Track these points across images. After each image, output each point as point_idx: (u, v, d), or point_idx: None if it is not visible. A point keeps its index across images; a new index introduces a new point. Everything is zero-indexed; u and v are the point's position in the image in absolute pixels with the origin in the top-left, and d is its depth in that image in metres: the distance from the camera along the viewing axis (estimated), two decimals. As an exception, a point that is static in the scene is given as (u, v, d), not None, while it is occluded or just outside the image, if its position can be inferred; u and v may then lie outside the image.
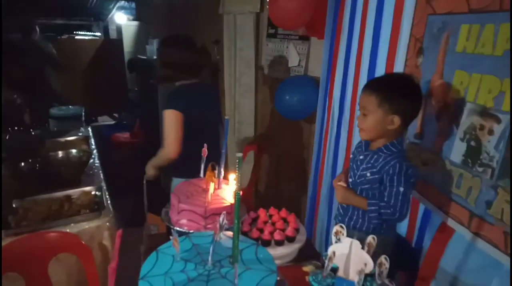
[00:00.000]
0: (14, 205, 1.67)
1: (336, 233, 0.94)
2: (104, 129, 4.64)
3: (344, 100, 1.74)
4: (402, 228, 1.41)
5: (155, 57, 3.31)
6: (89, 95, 6.15)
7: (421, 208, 1.33)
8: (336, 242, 0.92)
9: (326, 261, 0.88)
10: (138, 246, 1.40)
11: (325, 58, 1.88)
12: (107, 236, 1.64)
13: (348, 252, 0.90)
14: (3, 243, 1.46)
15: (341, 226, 0.93)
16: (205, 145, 1.42)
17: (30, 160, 1.94)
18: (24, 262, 1.46)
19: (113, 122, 5.90)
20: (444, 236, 1.21)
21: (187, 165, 1.56)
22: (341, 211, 1.32)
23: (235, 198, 0.82)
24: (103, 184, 1.98)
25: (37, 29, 3.82)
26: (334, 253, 0.88)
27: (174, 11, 4.21)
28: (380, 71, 1.48)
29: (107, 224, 1.65)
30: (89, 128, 2.93)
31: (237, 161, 0.84)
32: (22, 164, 1.86)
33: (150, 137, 3.72)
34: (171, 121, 1.66)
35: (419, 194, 1.32)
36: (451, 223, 1.17)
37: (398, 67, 1.38)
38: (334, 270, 0.91)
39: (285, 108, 2.20)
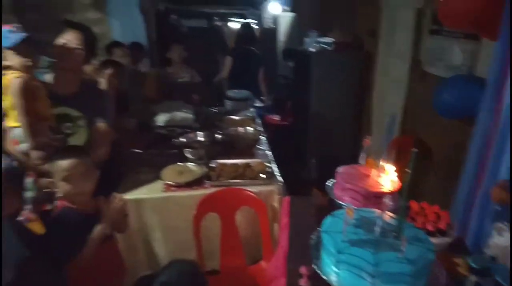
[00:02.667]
0: (212, 165, 2.25)
1: (498, 230, 1.08)
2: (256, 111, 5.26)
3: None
4: None
5: (311, 49, 3.65)
6: (242, 78, 7.03)
7: None
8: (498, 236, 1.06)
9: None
10: (303, 210, 1.76)
11: (498, 60, 1.86)
12: (277, 200, 2.08)
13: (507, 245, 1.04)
14: (208, 191, 2.03)
15: (504, 224, 1.07)
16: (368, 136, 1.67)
17: (219, 131, 2.54)
18: (221, 206, 2.00)
19: (261, 105, 6.53)
20: None
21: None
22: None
23: (401, 180, 1.05)
24: (272, 158, 2.45)
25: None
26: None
27: (329, 2, 4.45)
28: None
29: (277, 189, 2.08)
30: (254, 110, 3.50)
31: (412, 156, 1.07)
32: (218, 135, 2.46)
33: (299, 121, 4.14)
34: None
35: None
36: None
37: None
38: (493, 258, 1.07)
39: (443, 106, 2.24)
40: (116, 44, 2.99)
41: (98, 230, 1.48)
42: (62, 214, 1.48)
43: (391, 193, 1.50)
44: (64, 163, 1.46)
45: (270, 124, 4.68)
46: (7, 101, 1.63)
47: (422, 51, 2.74)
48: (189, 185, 2.09)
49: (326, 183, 1.72)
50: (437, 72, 2.54)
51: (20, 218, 1.70)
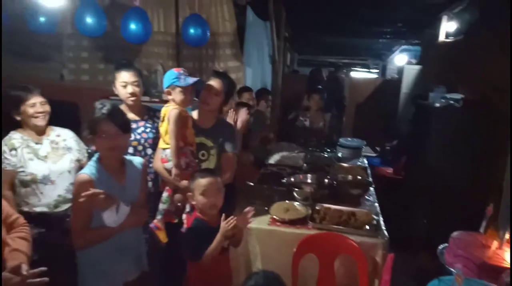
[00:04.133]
0: (317, 208, 2.33)
1: None
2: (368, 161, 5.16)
3: None
4: None
5: (436, 105, 3.50)
6: (356, 126, 7.01)
7: None
8: None
9: None
10: (406, 270, 1.69)
11: None
12: (380, 255, 2.02)
13: None
14: (310, 232, 2.10)
15: None
16: (491, 204, 1.54)
17: (328, 176, 2.62)
18: (321, 249, 2.05)
19: (374, 155, 6.33)
20: None
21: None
22: None
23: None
24: (379, 210, 2.40)
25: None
26: None
27: (461, 57, 4.21)
28: None
29: (381, 244, 2.03)
30: (365, 160, 3.48)
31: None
32: (326, 180, 2.55)
33: (413, 177, 3.91)
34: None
35: None
36: None
37: None
38: None
39: None
40: (246, 89, 3.42)
41: (217, 240, 1.71)
42: (195, 223, 1.77)
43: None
44: (203, 180, 1.77)
45: (381, 176, 4.52)
46: (162, 127, 2.07)
47: None
48: (293, 222, 2.20)
49: (438, 247, 1.64)
50: None
51: (150, 225, 2.06)
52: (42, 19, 2.77)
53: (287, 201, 2.40)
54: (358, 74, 10.70)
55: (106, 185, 1.65)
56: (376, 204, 2.54)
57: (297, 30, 6.49)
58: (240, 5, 3.97)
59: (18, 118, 2.07)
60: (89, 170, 1.66)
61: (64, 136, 2.22)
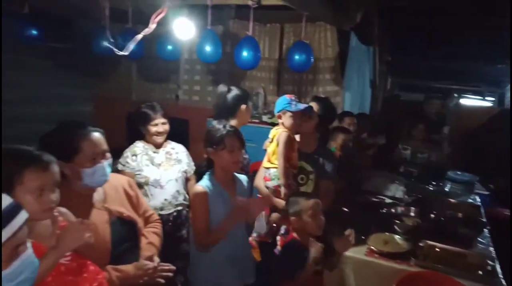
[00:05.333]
0: (420, 244, 2.18)
1: None
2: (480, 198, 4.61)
3: None
4: None
5: None
6: (467, 160, 6.30)
7: None
8: None
9: None
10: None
11: None
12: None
13: None
14: (411, 269, 1.97)
15: None
16: None
17: (434, 212, 2.43)
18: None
19: (487, 192, 5.64)
20: None
21: None
22: None
23: None
24: (495, 255, 2.13)
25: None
26: None
27: None
28: None
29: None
30: (478, 198, 3.12)
31: None
32: (432, 215, 2.37)
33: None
34: None
35: None
36: None
37: None
38: None
39: None
40: (347, 113, 3.40)
41: (311, 260, 1.73)
42: (290, 244, 1.83)
43: None
44: (310, 202, 1.83)
45: (497, 217, 3.97)
46: (270, 148, 2.20)
47: None
48: (392, 256, 2.09)
49: None
50: None
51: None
52: (169, 47, 3.21)
53: (386, 233, 2.29)
54: (470, 101, 9.69)
55: (220, 198, 1.80)
56: (491, 248, 2.27)
57: (402, 54, 6.24)
58: (343, 31, 4.01)
59: (144, 132, 2.40)
60: (205, 183, 1.83)
61: (177, 149, 2.50)
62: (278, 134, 2.14)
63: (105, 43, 2.80)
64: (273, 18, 4.18)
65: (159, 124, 2.36)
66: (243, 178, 2.01)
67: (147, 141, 2.42)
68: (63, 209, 1.29)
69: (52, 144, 1.36)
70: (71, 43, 4.48)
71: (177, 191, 2.41)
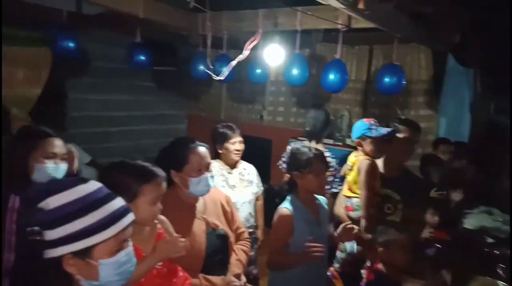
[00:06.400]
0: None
1: None
2: None
3: None
4: None
5: None
6: None
7: None
8: None
9: None
10: None
11: None
12: None
13: None
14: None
15: None
16: None
17: None
18: None
19: None
20: None
21: None
22: None
23: None
24: None
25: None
26: None
27: None
28: None
29: None
30: None
31: None
32: None
33: None
34: None
35: None
36: None
37: None
38: None
39: None
40: (442, 140, 3.15)
41: None
42: (377, 277, 1.74)
43: None
44: (400, 233, 1.78)
45: None
46: (350, 176, 2.13)
47: None
48: (495, 305, 1.85)
49: None
50: None
51: (327, 273, 2.10)
52: (258, 71, 3.36)
53: (488, 278, 2.03)
54: None
55: (304, 220, 1.80)
56: None
57: (506, 76, 5.58)
58: (439, 52, 3.76)
59: (220, 151, 2.46)
60: (289, 205, 1.83)
61: (248, 170, 2.55)
62: (358, 162, 2.06)
63: (204, 69, 3.06)
64: (362, 40, 4.11)
65: (237, 143, 2.42)
66: (323, 200, 1.99)
67: (223, 160, 2.47)
68: (163, 217, 1.43)
69: (167, 156, 1.60)
70: (173, 67, 5.03)
71: (250, 213, 2.45)
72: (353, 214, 2.10)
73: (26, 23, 3.36)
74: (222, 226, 1.69)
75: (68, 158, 1.66)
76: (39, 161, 1.56)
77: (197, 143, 1.65)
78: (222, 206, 1.75)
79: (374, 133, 2.06)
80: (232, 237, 1.74)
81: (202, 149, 1.63)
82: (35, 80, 3.52)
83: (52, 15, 3.14)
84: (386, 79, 3.03)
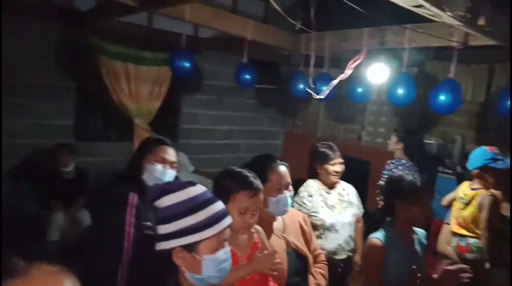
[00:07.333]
0: None
1: None
2: None
3: None
4: None
5: None
6: None
7: None
8: None
9: None
10: None
11: None
12: None
13: None
14: None
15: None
16: None
17: None
18: None
19: None
20: None
21: None
22: None
23: None
24: None
25: None
26: None
27: None
28: None
29: None
30: None
31: None
32: None
33: None
34: None
35: None
36: None
37: None
38: None
39: None
40: None
41: None
42: None
43: None
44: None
45: None
46: (467, 211, 1.88)
47: None
48: None
49: None
50: None
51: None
52: (360, 89, 3.27)
53: None
54: None
55: (398, 253, 1.64)
56: None
57: None
58: None
59: (319, 171, 2.37)
60: (382, 235, 1.68)
61: (348, 190, 2.43)
62: (480, 197, 1.80)
63: (304, 87, 3.11)
64: (480, 57, 3.70)
65: (337, 164, 2.32)
66: (421, 233, 1.78)
67: (321, 180, 2.39)
68: (259, 228, 1.49)
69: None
70: (275, 85, 5.26)
71: (350, 236, 2.35)
72: (469, 256, 1.83)
73: (153, 46, 3.92)
74: (301, 246, 1.65)
75: (177, 166, 1.84)
76: (151, 163, 1.75)
77: (278, 161, 1.64)
78: (301, 225, 1.72)
79: (501, 165, 1.78)
80: (311, 259, 1.69)
81: (283, 168, 1.62)
82: (156, 95, 4.06)
83: (173, 38, 3.58)
84: (510, 101, 2.66)
